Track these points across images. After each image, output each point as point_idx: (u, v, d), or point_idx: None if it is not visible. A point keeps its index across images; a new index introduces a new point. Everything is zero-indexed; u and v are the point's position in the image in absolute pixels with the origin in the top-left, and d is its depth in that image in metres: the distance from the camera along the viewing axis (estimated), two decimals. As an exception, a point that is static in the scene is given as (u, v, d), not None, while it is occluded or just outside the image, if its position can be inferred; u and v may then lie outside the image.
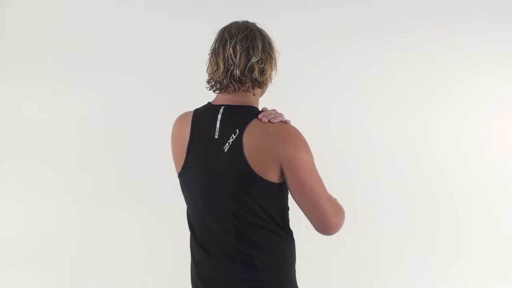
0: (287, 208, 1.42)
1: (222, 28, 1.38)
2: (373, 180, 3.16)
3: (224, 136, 1.32)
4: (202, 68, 1.45)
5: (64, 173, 3.10)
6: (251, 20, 1.41)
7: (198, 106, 1.45)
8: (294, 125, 1.34)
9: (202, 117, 1.40)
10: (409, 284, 3.13)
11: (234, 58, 1.31)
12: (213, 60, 1.36)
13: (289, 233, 1.43)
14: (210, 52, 1.38)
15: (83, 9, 3.05)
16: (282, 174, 1.31)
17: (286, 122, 1.34)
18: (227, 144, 1.31)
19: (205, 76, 1.41)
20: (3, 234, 3.12)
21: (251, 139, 1.29)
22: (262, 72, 1.34)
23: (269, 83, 1.42)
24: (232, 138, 1.31)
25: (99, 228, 3.10)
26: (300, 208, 1.35)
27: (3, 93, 3.09)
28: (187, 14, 3.05)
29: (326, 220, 1.34)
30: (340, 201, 1.43)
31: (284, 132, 1.30)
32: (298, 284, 1.48)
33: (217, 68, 1.34)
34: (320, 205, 1.32)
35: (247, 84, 1.34)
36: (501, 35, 3.16)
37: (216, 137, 1.34)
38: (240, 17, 1.43)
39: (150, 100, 3.06)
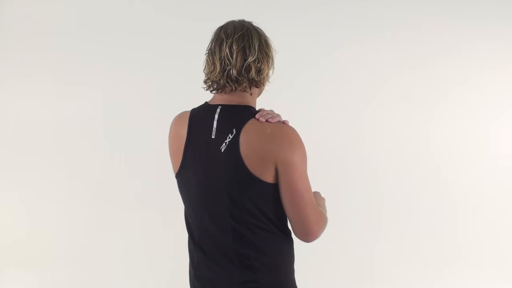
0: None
1: (218, 28, 1.37)
2: (371, 179, 3.15)
3: (221, 136, 1.31)
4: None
5: (65, 173, 3.11)
6: (251, 19, 1.40)
7: (199, 105, 1.43)
8: (291, 126, 1.33)
9: (199, 117, 1.39)
10: (408, 283, 3.12)
11: (230, 58, 1.30)
12: (209, 60, 1.35)
13: (287, 233, 1.42)
14: (207, 52, 1.37)
15: (83, 9, 3.06)
16: (276, 175, 1.30)
17: (284, 123, 1.33)
18: (224, 144, 1.30)
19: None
20: (4, 234, 3.13)
21: (248, 139, 1.28)
22: (259, 71, 1.33)
23: (267, 82, 1.40)
24: (229, 138, 1.29)
25: (100, 227, 3.11)
26: (285, 210, 1.34)
27: (3, 92, 3.10)
28: (187, 12, 3.05)
29: (307, 226, 1.33)
30: (338, 201, 1.41)
31: (281, 132, 1.28)
32: (297, 284, 1.46)
33: (214, 68, 1.33)
34: (305, 212, 1.31)
35: (244, 84, 1.33)
36: (501, 35, 3.15)
37: (213, 137, 1.33)
38: (240, 16, 1.42)
39: (152, 99, 3.06)
